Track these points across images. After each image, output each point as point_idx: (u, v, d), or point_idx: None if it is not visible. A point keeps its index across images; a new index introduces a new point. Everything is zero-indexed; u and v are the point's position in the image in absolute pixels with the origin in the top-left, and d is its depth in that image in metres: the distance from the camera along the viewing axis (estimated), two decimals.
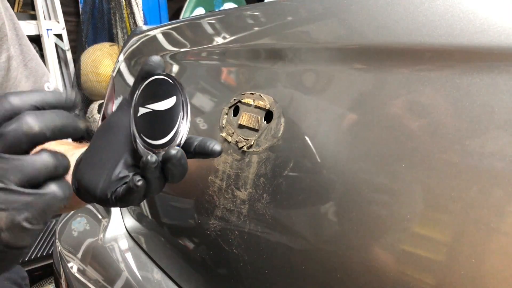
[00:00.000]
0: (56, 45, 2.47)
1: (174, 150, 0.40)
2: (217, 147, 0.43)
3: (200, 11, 2.90)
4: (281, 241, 0.47)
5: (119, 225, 0.93)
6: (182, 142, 0.41)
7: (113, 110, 0.48)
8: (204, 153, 0.44)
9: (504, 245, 0.29)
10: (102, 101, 2.37)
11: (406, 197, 0.35)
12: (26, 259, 1.91)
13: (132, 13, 2.41)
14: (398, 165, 0.36)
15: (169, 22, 0.82)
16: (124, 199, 0.43)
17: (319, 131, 0.44)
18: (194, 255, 0.65)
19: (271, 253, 0.48)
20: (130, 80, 0.92)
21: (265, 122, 0.50)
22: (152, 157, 0.40)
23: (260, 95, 0.51)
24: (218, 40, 0.63)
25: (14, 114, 0.33)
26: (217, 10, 2.69)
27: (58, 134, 0.34)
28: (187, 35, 0.73)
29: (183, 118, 0.42)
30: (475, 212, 0.31)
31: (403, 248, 0.35)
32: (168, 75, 0.44)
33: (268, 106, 0.50)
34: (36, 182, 0.33)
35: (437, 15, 0.35)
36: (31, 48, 0.75)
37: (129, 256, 0.86)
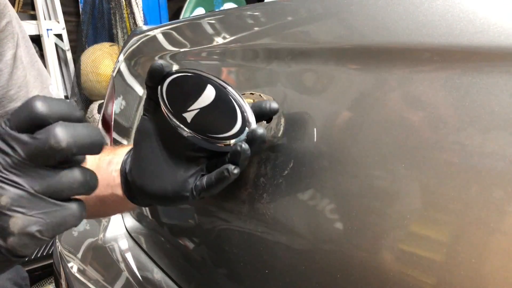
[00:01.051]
0: (56, 45, 2.47)
1: (260, 129, 0.41)
2: (274, 105, 0.44)
3: (200, 11, 2.90)
4: (281, 241, 0.47)
5: (119, 225, 0.93)
6: (253, 118, 0.41)
7: (139, 121, 0.48)
8: (264, 115, 0.44)
9: (504, 245, 0.29)
10: (102, 101, 2.37)
11: (406, 197, 0.35)
12: (26, 259, 1.91)
13: (132, 13, 2.41)
14: (398, 165, 0.36)
15: (169, 22, 0.82)
16: (213, 189, 0.45)
17: (319, 131, 0.44)
18: (194, 255, 0.65)
19: (271, 253, 0.48)
20: (130, 80, 0.92)
21: (265, 122, 0.50)
22: (245, 145, 0.40)
23: (260, 95, 0.51)
24: (218, 40, 0.63)
25: (41, 122, 0.32)
26: (217, 10, 2.69)
27: (85, 151, 0.33)
28: (187, 35, 0.73)
29: (238, 98, 0.41)
30: (475, 212, 0.31)
31: (403, 248, 0.35)
32: (181, 71, 0.43)
33: None
34: (59, 196, 0.33)
35: (437, 15, 0.35)
36: (34, 51, 0.76)
37: (129, 256, 0.86)
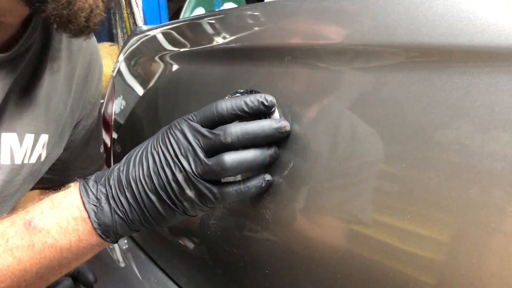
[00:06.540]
0: None
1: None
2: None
3: (200, 11, 2.90)
4: (281, 241, 0.47)
5: None
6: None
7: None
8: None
9: (504, 245, 0.29)
10: (102, 101, 2.36)
11: (407, 197, 0.35)
12: None
13: (132, 13, 2.41)
14: (398, 165, 0.36)
15: (169, 22, 0.82)
16: None
17: (319, 131, 0.44)
18: (194, 255, 0.65)
19: (271, 253, 0.48)
20: (130, 80, 0.92)
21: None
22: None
23: None
24: (218, 40, 0.63)
25: (220, 120, 0.42)
26: (217, 10, 2.69)
27: (248, 145, 0.43)
28: (187, 35, 0.73)
29: None
30: (475, 212, 0.31)
31: (403, 248, 0.35)
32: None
33: None
34: (214, 178, 0.43)
35: (437, 15, 0.35)
36: (100, 135, 0.81)
37: (129, 256, 0.86)
